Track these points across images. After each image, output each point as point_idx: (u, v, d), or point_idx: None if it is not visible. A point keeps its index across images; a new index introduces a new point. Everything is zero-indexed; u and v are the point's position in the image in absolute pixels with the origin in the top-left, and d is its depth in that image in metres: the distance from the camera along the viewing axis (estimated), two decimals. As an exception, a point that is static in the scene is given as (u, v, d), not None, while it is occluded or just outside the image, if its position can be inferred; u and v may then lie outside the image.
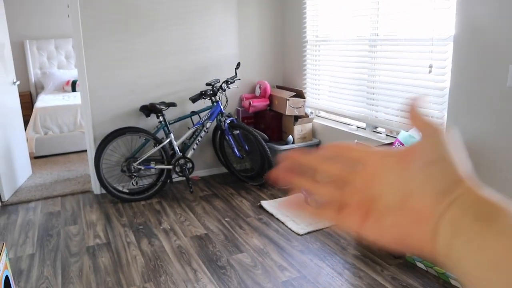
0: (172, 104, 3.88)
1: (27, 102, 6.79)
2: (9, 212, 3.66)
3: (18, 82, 4.38)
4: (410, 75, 3.01)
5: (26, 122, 5.26)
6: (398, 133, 3.14)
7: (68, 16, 3.71)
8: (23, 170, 4.37)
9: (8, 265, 2.23)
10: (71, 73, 6.94)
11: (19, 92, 4.49)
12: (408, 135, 2.73)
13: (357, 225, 0.39)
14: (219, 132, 4.22)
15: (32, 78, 6.99)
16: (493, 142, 2.49)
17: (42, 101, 5.78)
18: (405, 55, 3.04)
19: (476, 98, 2.55)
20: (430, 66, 2.83)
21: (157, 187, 3.85)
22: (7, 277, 2.14)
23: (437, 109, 2.84)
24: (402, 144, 2.74)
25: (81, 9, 3.63)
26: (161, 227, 3.28)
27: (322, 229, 3.15)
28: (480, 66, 2.50)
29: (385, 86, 3.24)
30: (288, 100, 3.92)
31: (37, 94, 6.92)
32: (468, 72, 2.57)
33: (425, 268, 2.59)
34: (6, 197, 3.87)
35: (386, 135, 3.39)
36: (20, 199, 3.88)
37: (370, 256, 2.78)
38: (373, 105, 3.40)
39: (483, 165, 2.57)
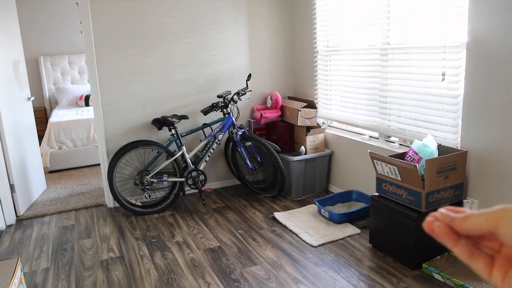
0: (184, 117, 3.90)
1: (42, 117, 6.90)
2: (24, 226, 3.69)
3: (32, 98, 4.45)
4: (423, 83, 2.97)
5: (40, 137, 5.33)
6: (411, 142, 3.10)
7: (81, 32, 3.78)
8: (38, 185, 4.42)
9: (23, 280, 2.24)
10: (84, 88, 7.04)
11: (34, 108, 4.57)
12: (422, 144, 2.69)
13: (500, 279, 0.39)
14: (231, 144, 4.22)
15: (47, 94, 7.10)
16: (508, 150, 2.45)
17: (56, 116, 5.85)
18: (417, 63, 3.01)
19: (490, 105, 2.51)
20: (443, 74, 2.80)
21: (170, 200, 3.85)
22: (21, 292, 2.14)
23: (451, 117, 2.80)
24: (416, 154, 2.70)
25: (93, 25, 3.69)
26: (174, 240, 3.27)
27: (336, 240, 3.11)
28: (493, 73, 2.47)
29: (398, 95, 3.21)
30: (300, 110, 3.91)
31: (51, 109, 7.02)
32: (482, 79, 2.54)
33: (442, 280, 2.53)
34: (22, 211, 3.91)
35: (400, 144, 3.35)
36: (35, 213, 3.92)
37: (385, 267, 2.73)
38: (385, 114, 3.37)
39: (497, 173, 2.52)
